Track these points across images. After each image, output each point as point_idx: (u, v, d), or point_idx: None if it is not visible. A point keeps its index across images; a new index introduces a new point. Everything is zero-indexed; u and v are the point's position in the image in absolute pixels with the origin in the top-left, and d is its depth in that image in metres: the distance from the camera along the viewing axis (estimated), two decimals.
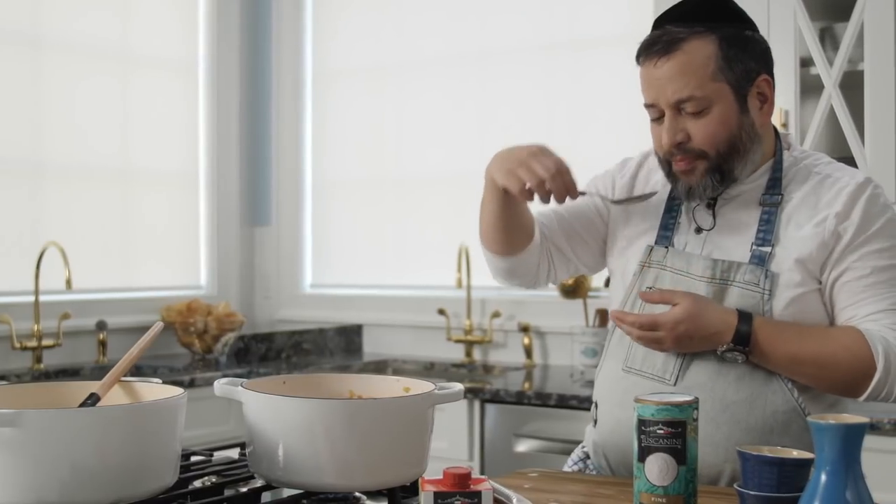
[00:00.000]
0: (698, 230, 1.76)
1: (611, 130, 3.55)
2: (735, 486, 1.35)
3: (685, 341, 1.64)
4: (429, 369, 3.72)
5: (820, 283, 1.68)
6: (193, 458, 1.72)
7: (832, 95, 2.83)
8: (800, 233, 1.68)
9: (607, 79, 3.57)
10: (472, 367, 3.66)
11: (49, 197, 3.61)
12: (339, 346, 4.01)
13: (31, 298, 3.37)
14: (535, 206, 1.87)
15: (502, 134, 3.79)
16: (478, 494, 1.24)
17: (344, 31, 4.20)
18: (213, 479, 1.57)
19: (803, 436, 1.65)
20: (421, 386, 1.54)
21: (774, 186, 1.73)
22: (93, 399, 1.48)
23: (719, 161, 1.69)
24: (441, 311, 3.76)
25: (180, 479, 1.48)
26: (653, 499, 1.36)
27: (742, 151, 1.70)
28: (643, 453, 1.38)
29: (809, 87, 2.93)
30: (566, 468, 1.90)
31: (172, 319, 3.70)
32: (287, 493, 1.48)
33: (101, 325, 3.55)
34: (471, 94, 3.87)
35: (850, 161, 2.83)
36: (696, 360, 1.69)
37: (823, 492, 1.14)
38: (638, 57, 1.73)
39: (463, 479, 1.25)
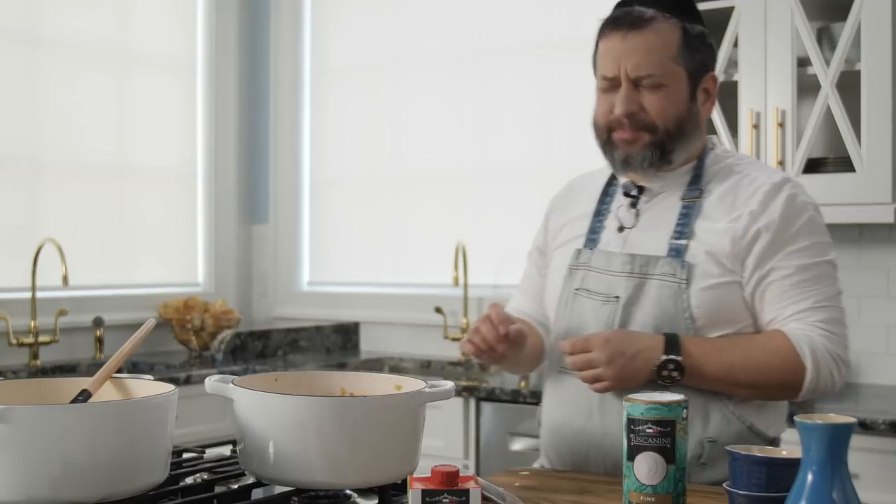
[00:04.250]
0: (620, 228, 1.82)
1: None
2: (724, 485, 1.35)
3: (619, 360, 1.67)
4: (425, 367, 3.72)
5: (740, 277, 1.72)
6: (185, 455, 1.72)
7: (829, 95, 2.83)
8: (714, 227, 1.73)
9: None
10: (469, 366, 3.66)
11: (46, 193, 3.61)
12: (336, 343, 4.01)
13: (28, 295, 3.38)
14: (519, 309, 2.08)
15: (499, 133, 3.80)
16: (465, 493, 1.24)
17: (342, 30, 4.20)
18: (204, 476, 1.57)
19: (722, 425, 1.71)
20: (412, 384, 1.54)
21: (695, 182, 1.79)
22: (84, 395, 1.48)
23: (664, 138, 1.76)
24: (438, 310, 3.76)
25: (171, 476, 1.48)
26: (642, 497, 1.37)
27: (685, 134, 1.77)
28: (632, 452, 1.38)
29: (806, 87, 2.93)
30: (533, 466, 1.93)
31: (169, 316, 3.71)
32: (278, 490, 1.49)
33: (97, 322, 3.55)
34: (468, 93, 3.87)
35: (846, 161, 2.84)
36: None
37: (810, 492, 1.13)
38: (602, 30, 1.80)
39: (451, 477, 1.25)
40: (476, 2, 3.86)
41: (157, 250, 3.99)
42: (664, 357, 1.66)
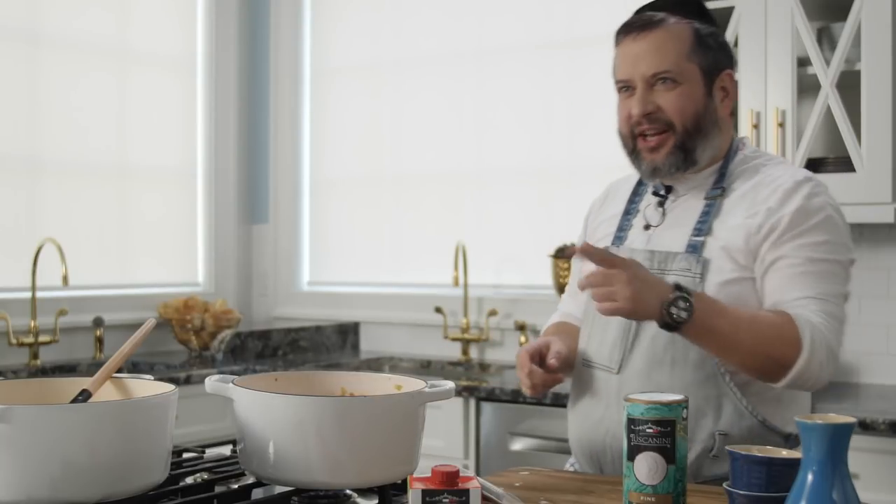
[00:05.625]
0: (647, 227, 1.86)
1: (608, 129, 3.52)
2: (724, 485, 1.35)
3: (636, 283, 1.60)
4: (425, 367, 3.72)
5: (753, 273, 1.73)
6: (185, 455, 1.72)
7: (829, 95, 2.83)
8: (731, 223, 1.75)
9: (604, 78, 3.55)
10: (469, 366, 3.66)
11: (46, 193, 3.61)
12: (337, 343, 4.01)
13: (28, 294, 3.38)
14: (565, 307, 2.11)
15: (500, 132, 3.80)
16: (465, 492, 1.24)
17: (342, 30, 4.20)
18: (205, 476, 1.57)
19: (734, 418, 1.72)
20: (412, 384, 1.54)
21: (720, 182, 1.81)
22: (84, 395, 1.48)
23: (685, 137, 1.78)
24: (438, 310, 3.77)
25: (171, 476, 1.48)
26: (642, 497, 1.37)
27: (704, 133, 1.79)
28: (632, 452, 1.38)
29: (806, 87, 2.93)
30: (566, 467, 1.95)
31: (169, 316, 3.71)
32: (278, 490, 1.49)
33: (97, 322, 3.55)
34: (468, 92, 3.87)
35: (846, 161, 2.83)
36: (637, 350, 1.76)
37: (810, 492, 1.13)
38: (617, 36, 1.83)
39: (451, 476, 1.26)
40: (476, 2, 3.86)
41: (157, 250, 3.99)
42: (676, 293, 1.60)
